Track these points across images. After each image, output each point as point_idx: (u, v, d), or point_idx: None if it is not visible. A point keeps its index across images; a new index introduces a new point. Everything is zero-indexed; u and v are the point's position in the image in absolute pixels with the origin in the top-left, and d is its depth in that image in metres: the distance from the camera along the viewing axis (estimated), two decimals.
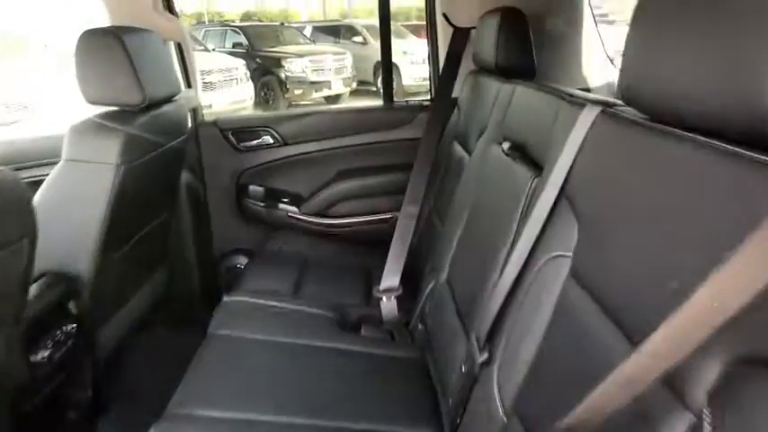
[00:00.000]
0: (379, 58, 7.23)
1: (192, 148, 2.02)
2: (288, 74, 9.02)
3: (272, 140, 2.12)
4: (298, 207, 2.15)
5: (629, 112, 0.83)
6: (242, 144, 2.11)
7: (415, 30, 11.90)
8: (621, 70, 0.77)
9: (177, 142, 1.70)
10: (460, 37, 1.87)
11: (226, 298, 1.56)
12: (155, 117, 1.52)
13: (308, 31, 11.33)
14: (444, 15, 1.92)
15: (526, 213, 1.03)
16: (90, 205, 1.39)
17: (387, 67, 2.16)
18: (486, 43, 1.58)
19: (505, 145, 1.18)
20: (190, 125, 2.03)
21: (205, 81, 7.63)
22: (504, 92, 1.42)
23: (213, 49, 9.41)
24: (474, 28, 1.87)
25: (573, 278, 0.84)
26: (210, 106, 7.56)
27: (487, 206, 1.25)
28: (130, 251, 1.60)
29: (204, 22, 12.22)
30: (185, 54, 1.93)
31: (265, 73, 9.12)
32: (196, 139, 2.06)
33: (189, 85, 2.01)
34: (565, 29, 1.87)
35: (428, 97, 2.21)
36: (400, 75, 9.85)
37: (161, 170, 1.67)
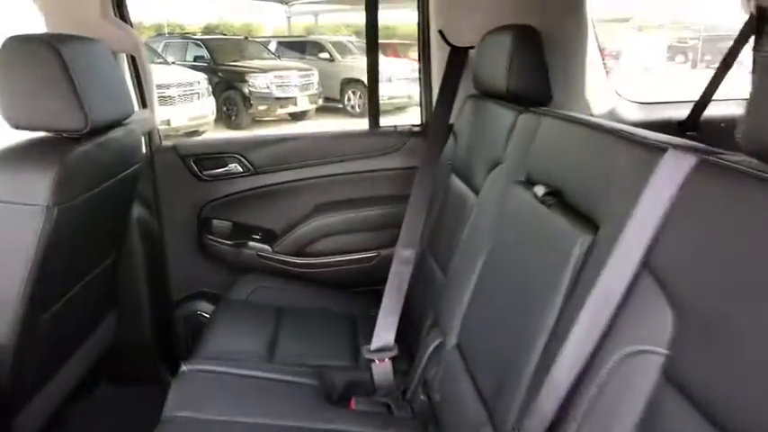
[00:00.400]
0: (346, 74, 7.13)
1: (146, 178, 1.74)
2: (252, 89, 8.80)
3: (240, 169, 1.85)
4: (270, 245, 1.88)
5: (743, 162, 0.62)
6: (205, 173, 1.84)
7: (383, 48, 11.81)
8: (746, 116, 0.58)
9: (128, 173, 1.42)
10: (458, 57, 1.66)
11: (184, 367, 1.28)
12: (100, 145, 1.25)
13: (272, 46, 11.13)
14: (441, 33, 1.70)
15: (577, 282, 0.80)
16: (11, 257, 1.10)
17: (373, 87, 1.92)
18: (493, 65, 1.37)
19: (539, 189, 0.95)
20: (144, 151, 1.75)
21: (164, 95, 7.33)
22: (523, 123, 1.20)
23: (173, 63, 9.08)
24: (472, 48, 1.66)
25: (668, 382, 0.62)
26: (169, 122, 7.24)
27: (515, 264, 1.01)
28: (66, 307, 1.31)
29: (164, 34, 11.86)
30: (140, 69, 1.65)
31: (228, 88, 8.88)
32: (152, 167, 1.78)
33: (144, 105, 1.72)
34: (569, 48, 1.68)
35: (417, 122, 1.98)
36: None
37: (107, 207, 1.38)
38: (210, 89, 8.25)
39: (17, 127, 1.15)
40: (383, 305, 1.44)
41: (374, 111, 1.91)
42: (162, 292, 1.85)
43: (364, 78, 6.81)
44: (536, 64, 1.30)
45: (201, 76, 8.11)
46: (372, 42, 1.85)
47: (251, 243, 1.86)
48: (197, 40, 10.09)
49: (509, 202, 1.11)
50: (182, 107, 7.58)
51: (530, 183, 1.06)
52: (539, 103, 1.30)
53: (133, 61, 1.65)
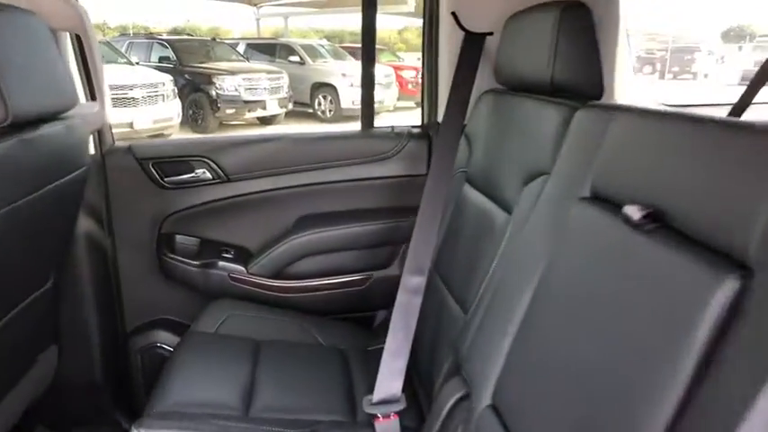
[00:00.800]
0: (316, 78, 6.92)
1: (95, 185, 1.45)
2: (219, 92, 8.51)
3: (209, 175, 1.56)
4: (244, 266, 1.60)
5: None
6: (168, 179, 1.55)
7: (354, 52, 11.63)
8: None
9: (69, 179, 1.13)
10: (475, 45, 1.41)
11: (135, 431, 1.00)
12: (26, 143, 0.96)
13: (241, 48, 10.85)
14: (454, 16, 1.45)
15: (720, 343, 0.55)
16: None
17: (367, 84, 1.66)
18: (529, 51, 1.13)
19: (632, 211, 0.69)
20: (93, 152, 1.45)
21: (126, 96, 6.99)
22: (583, 122, 0.95)
23: (137, 63, 8.71)
24: (490, 34, 1.42)
25: None
26: (132, 125, 6.88)
27: (596, 309, 0.75)
28: None
29: (129, 34, 11.43)
30: (87, 52, 1.36)
31: (194, 90, 8.57)
32: (102, 171, 1.48)
33: (93, 97, 1.43)
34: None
35: (418, 123, 1.73)
36: (338, 97, 9.67)
37: (41, 221, 1.09)
38: (176, 91, 7.91)
39: None
40: (387, 346, 1.17)
41: (368, 110, 1.65)
42: (114, 321, 1.55)
43: (335, 82, 6.75)
44: (588, 48, 1.07)
45: (167, 78, 7.77)
46: (370, 42, 1.60)
47: (221, 263, 1.58)
48: (163, 40, 9.75)
49: (574, 225, 0.85)
50: (146, 109, 7.22)
51: (601, 199, 0.82)
52: (591, 96, 1.06)
53: (79, 43, 1.36)
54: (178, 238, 1.58)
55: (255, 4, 14.59)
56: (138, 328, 1.59)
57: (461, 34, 1.44)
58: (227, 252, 1.60)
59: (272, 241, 1.61)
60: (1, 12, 0.91)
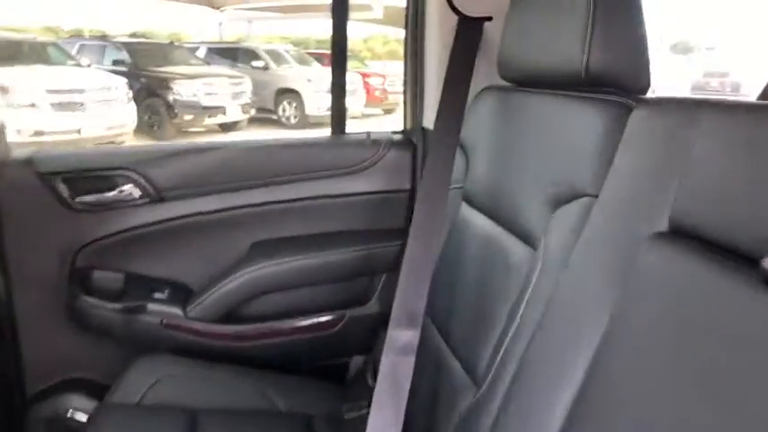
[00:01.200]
0: (281, 84, 6.70)
1: None
2: (177, 97, 8.14)
3: (137, 193, 1.23)
4: (182, 308, 1.27)
5: None
6: (81, 199, 1.21)
7: (319, 58, 11.34)
8: None
9: None
10: (471, 32, 1.12)
11: None
12: None
13: (201, 53, 10.47)
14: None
15: None
16: None
17: (338, 84, 1.36)
18: (550, 35, 0.85)
19: None
20: None
21: (75, 101, 6.53)
22: (645, 124, 0.68)
23: (89, 65, 8.26)
24: (488, 19, 1.14)
25: None
26: (79, 131, 6.42)
27: (714, 393, 0.47)
28: None
29: (82, 36, 10.87)
30: None
31: (150, 95, 8.15)
32: None
33: None
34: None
35: (396, 128, 1.43)
36: (303, 103, 9.39)
37: None
38: (132, 95, 7.49)
39: None
40: (371, 422, 0.86)
41: (339, 114, 1.34)
42: (9, 384, 1.20)
43: (300, 88, 6.54)
44: (633, 26, 0.79)
45: (121, 81, 7.34)
46: (340, 40, 1.30)
47: (152, 306, 1.25)
48: (117, 43, 9.32)
49: (649, 271, 0.57)
50: (97, 114, 6.78)
51: (689, 236, 0.54)
52: (638, 90, 0.79)
53: None
54: (96, 274, 1.24)
55: (218, 8, 14.13)
56: (43, 393, 1.24)
57: (454, 19, 1.15)
58: (159, 291, 1.26)
59: (218, 276, 1.29)
60: None
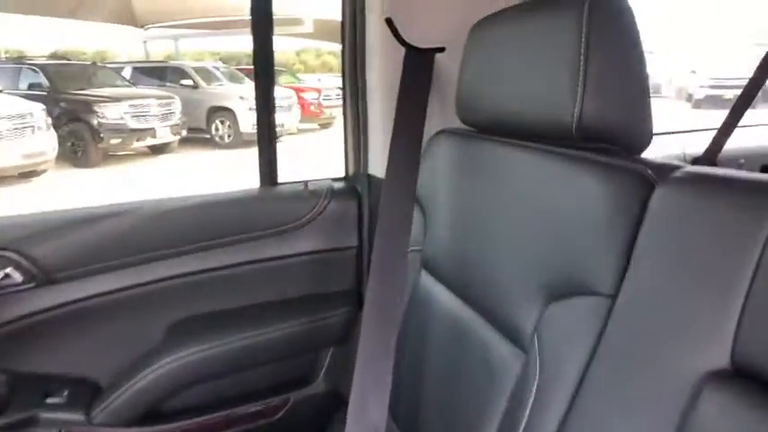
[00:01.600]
0: (213, 102, 6.43)
1: None
2: (102, 120, 7.75)
3: (18, 277, 1.00)
4: (85, 413, 1.04)
5: None
6: None
7: (249, 75, 11.06)
8: None
9: None
10: (422, 65, 0.97)
11: None
12: None
13: (127, 73, 10.06)
14: (389, 25, 1.00)
15: None
16: None
17: (266, 126, 1.17)
18: (524, 75, 0.70)
19: None
20: None
21: None
22: (678, 209, 0.53)
23: (0, 91, 7.71)
24: (440, 50, 0.99)
25: None
26: None
27: None
28: None
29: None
30: None
31: (72, 120, 7.72)
32: None
33: None
34: None
35: (339, 172, 1.26)
36: (237, 121, 9.19)
37: None
38: (50, 122, 7.02)
39: None
40: None
41: (269, 162, 1.16)
42: None
43: (233, 106, 6.36)
44: (636, 73, 0.65)
45: (38, 107, 6.89)
46: (264, 70, 1.11)
47: (46, 415, 1.02)
48: (33, 65, 8.78)
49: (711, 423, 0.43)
50: (11, 144, 6.32)
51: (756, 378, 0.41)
52: (639, 147, 0.65)
53: None
54: None
55: (142, 26, 13.57)
56: None
57: (400, 51, 0.99)
58: (55, 394, 1.03)
59: (129, 369, 1.07)
60: None
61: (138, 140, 7.95)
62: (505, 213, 0.74)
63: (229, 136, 9.38)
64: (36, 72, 8.37)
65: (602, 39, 0.63)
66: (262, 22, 1.09)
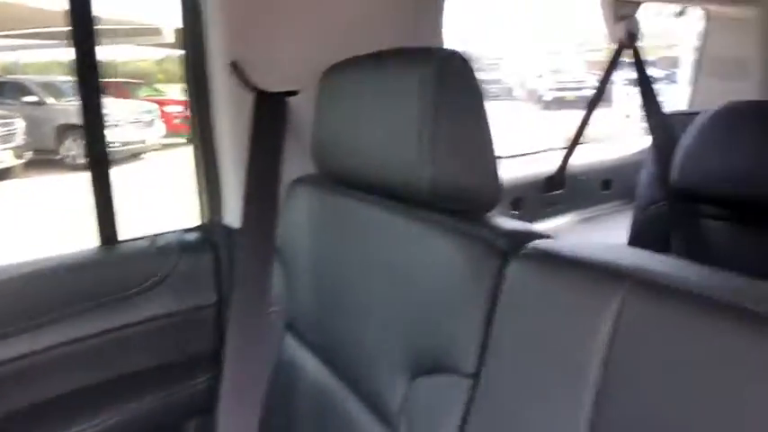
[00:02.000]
0: (62, 120, 5.87)
1: None
2: None
3: None
4: None
5: None
6: None
7: (111, 87, 10.33)
8: None
9: None
10: (275, 109, 0.90)
11: None
12: None
13: None
14: (235, 68, 0.92)
15: None
16: None
17: (99, 160, 1.02)
18: (378, 131, 0.68)
19: None
20: None
21: None
22: (531, 287, 0.52)
23: None
24: (292, 93, 0.94)
25: None
26: None
27: None
28: None
29: None
30: None
31: None
32: None
33: None
34: None
35: (193, 220, 1.15)
36: None
37: None
38: None
39: None
40: None
41: (106, 215, 1.02)
42: None
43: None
44: (481, 133, 0.64)
45: None
46: (91, 97, 0.97)
47: None
48: None
49: None
50: None
51: None
52: (487, 205, 0.64)
53: None
54: None
55: None
56: None
57: (250, 95, 0.92)
58: None
59: None
60: None
61: None
62: (367, 274, 0.71)
63: (82, 156, 8.66)
64: None
65: (449, 99, 0.61)
66: (82, 33, 0.95)
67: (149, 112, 9.59)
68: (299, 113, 0.94)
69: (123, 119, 8.90)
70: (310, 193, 0.85)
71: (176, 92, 11.21)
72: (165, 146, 9.56)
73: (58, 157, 8.52)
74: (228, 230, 1.05)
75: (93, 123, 0.97)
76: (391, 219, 0.68)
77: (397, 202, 0.69)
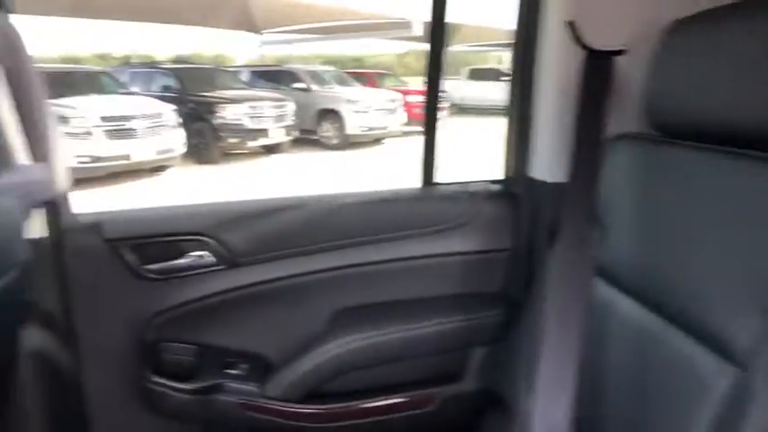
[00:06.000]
0: (322, 105, 6.58)
1: (48, 279, 1.00)
2: (222, 121, 8.19)
3: (210, 259, 1.11)
4: (260, 385, 1.13)
5: None
6: (149, 266, 1.09)
7: (358, 78, 11.31)
8: None
9: None
10: (602, 69, 0.96)
11: None
12: None
13: (245, 76, 10.64)
14: (571, 27, 1.00)
15: None
16: None
17: (430, 132, 1.21)
18: (741, 83, 0.68)
19: None
20: (40, 235, 1.00)
21: (125, 128, 6.65)
22: None
23: (137, 93, 8.45)
24: (621, 52, 0.98)
25: None
26: (129, 157, 6.51)
27: None
28: None
29: (132, 64, 11.13)
30: (25, 93, 0.91)
31: (197, 119, 8.23)
32: (58, 259, 1.03)
33: (39, 157, 0.98)
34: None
35: (485, 172, 1.27)
36: (344, 124, 9.49)
37: None
38: (180, 121, 7.56)
39: None
40: None
41: (428, 162, 1.20)
42: None
43: (340, 108, 6.58)
44: None
45: (169, 107, 7.45)
46: (434, 76, 1.15)
47: (228, 384, 1.11)
48: (165, 69, 9.52)
49: None
50: (146, 141, 6.89)
51: None
52: None
53: (14, 80, 0.91)
54: (166, 347, 1.12)
55: (259, 32, 14.29)
56: None
57: (576, 53, 0.99)
58: (235, 366, 1.13)
59: (299, 348, 1.15)
60: None
61: (252, 140, 8.38)
62: (705, 223, 0.72)
63: (337, 138, 9.61)
64: (167, 75, 9.07)
65: None
66: (437, 29, 1.13)
67: (394, 100, 10.20)
68: (623, 72, 0.98)
69: (371, 106, 9.70)
70: (635, 148, 0.88)
71: (417, 83, 11.83)
72: (406, 133, 10.15)
73: (316, 137, 9.60)
74: (534, 183, 1.14)
75: (431, 97, 1.15)
76: (740, 164, 0.68)
77: (749, 149, 0.69)
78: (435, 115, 1.20)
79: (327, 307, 1.16)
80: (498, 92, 11.27)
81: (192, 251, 1.10)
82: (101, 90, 7.54)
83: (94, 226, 1.07)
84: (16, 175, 0.80)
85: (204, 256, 1.09)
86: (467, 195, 1.18)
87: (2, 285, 0.72)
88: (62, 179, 1.00)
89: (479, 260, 1.17)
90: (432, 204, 1.19)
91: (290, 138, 9.00)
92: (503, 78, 11.87)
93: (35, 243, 0.93)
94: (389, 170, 7.10)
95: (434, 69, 1.16)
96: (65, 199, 1.06)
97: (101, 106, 6.67)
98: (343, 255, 1.14)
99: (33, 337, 0.97)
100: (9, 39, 0.86)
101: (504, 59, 13.75)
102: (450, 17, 1.12)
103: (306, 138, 9.45)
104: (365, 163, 8.53)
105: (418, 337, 1.15)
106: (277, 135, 8.67)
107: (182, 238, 1.09)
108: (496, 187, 1.22)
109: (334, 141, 9.63)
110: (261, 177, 7.41)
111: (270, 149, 8.79)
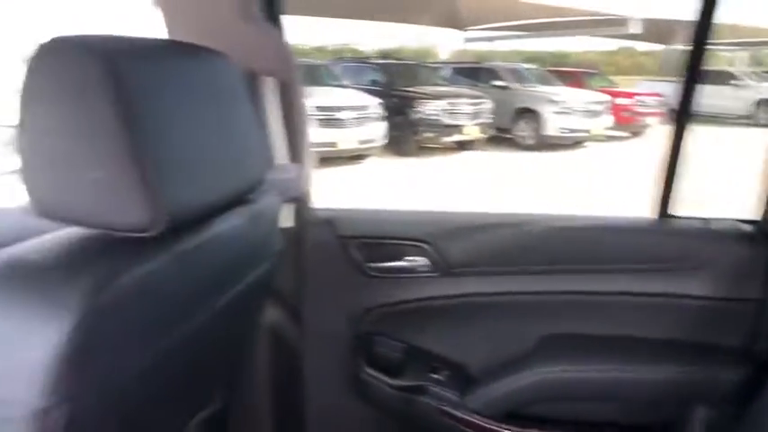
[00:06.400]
0: (520, 104, 6.40)
1: (288, 264, 1.12)
2: (420, 115, 8.43)
3: (427, 264, 1.15)
4: (460, 394, 1.15)
5: None
6: (372, 265, 1.17)
7: (561, 76, 10.78)
8: None
9: (252, 280, 0.80)
10: None
11: None
12: (191, 252, 0.63)
13: (446, 72, 10.82)
14: None
15: None
16: None
17: (672, 156, 1.10)
18: None
19: None
20: (291, 224, 1.13)
21: (334, 118, 7.23)
22: None
23: (347, 86, 9.10)
24: None
25: None
26: (335, 144, 7.03)
27: None
28: None
29: (342, 58, 12.01)
30: (293, 102, 1.03)
31: (398, 113, 8.55)
32: (298, 249, 1.15)
33: (294, 158, 1.11)
34: None
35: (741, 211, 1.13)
36: (540, 124, 9.16)
37: (208, 342, 0.76)
38: (383, 114, 7.96)
39: (44, 215, 0.57)
40: None
41: (666, 189, 1.10)
42: None
43: (539, 108, 6.34)
44: None
45: (375, 101, 7.93)
46: (690, 83, 1.05)
47: (431, 388, 1.15)
48: (374, 64, 10.12)
49: None
50: (352, 130, 7.41)
51: None
52: None
53: (286, 92, 1.03)
54: (379, 340, 1.19)
55: (462, 28, 14.43)
56: None
57: None
58: (438, 371, 1.16)
59: (501, 366, 1.14)
60: (149, 52, 0.58)
61: (447, 136, 8.52)
62: None
63: (532, 138, 9.32)
64: (376, 70, 9.61)
65: None
66: (702, 30, 1.03)
67: (599, 102, 9.57)
68: None
69: (573, 107, 9.21)
70: None
71: (628, 84, 10.94)
72: (609, 137, 9.47)
73: (509, 136, 9.38)
74: None
75: (682, 109, 1.05)
76: None
77: None
78: (682, 132, 1.08)
79: (536, 330, 1.14)
80: (730, 98, 10.03)
81: (411, 255, 1.15)
82: (319, 82, 8.23)
83: (329, 222, 1.17)
84: (277, 174, 0.91)
85: (421, 261, 1.14)
86: (710, 234, 1.06)
87: (261, 272, 0.82)
88: (309, 177, 1.12)
89: (718, 307, 1.05)
90: (665, 237, 1.09)
91: (485, 135, 8.95)
92: (733, 83, 10.50)
93: (284, 233, 1.05)
94: (586, 176, 6.71)
95: (691, 78, 1.05)
96: (308, 195, 1.18)
97: (316, 97, 7.30)
98: (560, 279, 1.11)
99: (269, 314, 1.10)
100: (284, 55, 0.97)
101: (735, 61, 12.08)
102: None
103: (500, 136, 9.32)
104: (559, 166, 8.16)
105: (633, 380, 1.07)
106: (471, 132, 8.71)
107: (404, 242, 1.15)
108: (748, 227, 1.07)
109: (530, 141, 9.35)
110: (453, 173, 7.50)
111: (462, 145, 8.84)
